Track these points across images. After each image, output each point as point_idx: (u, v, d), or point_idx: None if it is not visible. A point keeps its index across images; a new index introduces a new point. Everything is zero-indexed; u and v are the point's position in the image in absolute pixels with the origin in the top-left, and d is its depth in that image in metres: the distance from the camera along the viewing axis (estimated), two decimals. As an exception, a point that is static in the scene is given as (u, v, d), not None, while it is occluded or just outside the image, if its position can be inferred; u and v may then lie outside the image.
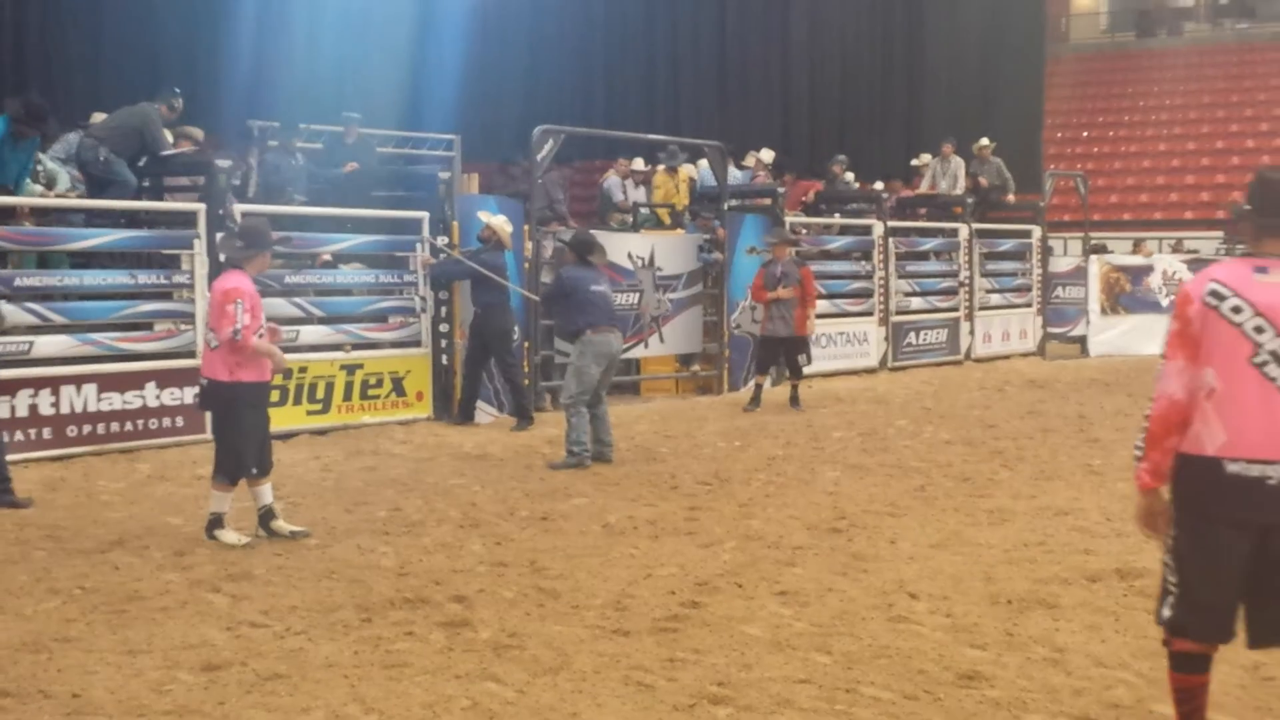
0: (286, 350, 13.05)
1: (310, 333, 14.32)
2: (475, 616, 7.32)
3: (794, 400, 16.57)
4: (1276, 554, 4.98)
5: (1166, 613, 5.21)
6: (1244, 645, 5.19)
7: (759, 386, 16.65)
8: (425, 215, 15.06)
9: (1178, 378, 5.04)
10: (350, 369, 14.43)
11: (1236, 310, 4.96)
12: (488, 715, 5.87)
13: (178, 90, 14.25)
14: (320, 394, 14.18)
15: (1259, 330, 4.94)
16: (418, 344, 15.02)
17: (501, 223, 14.75)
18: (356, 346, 14.51)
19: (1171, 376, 5.05)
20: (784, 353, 16.81)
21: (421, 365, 15.00)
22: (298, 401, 13.90)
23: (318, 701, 6.01)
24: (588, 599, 7.70)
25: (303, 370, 13.90)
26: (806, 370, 17.25)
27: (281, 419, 13.07)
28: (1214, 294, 4.99)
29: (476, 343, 14.86)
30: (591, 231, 14.60)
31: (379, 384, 14.67)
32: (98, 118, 14.34)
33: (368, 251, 15.18)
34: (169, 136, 14.28)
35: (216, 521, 9.24)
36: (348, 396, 14.44)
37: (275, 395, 13.22)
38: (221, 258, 9.78)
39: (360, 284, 15.17)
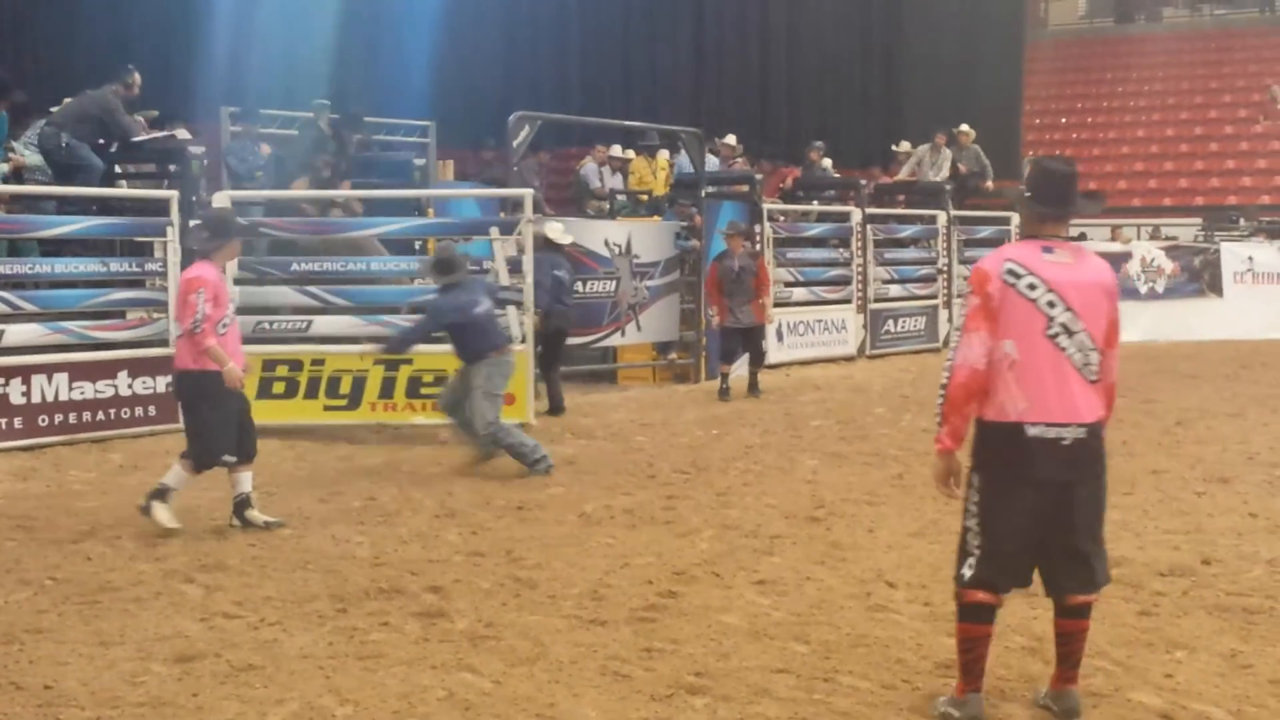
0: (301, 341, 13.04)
1: (327, 323, 13.68)
2: (451, 607, 7.29)
3: (753, 387, 16.58)
4: (1069, 510, 5.50)
5: (967, 572, 5.59)
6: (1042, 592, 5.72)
7: (725, 376, 16.63)
8: (529, 192, 14.38)
9: (980, 347, 5.47)
10: (390, 364, 13.26)
11: (1032, 287, 5.44)
12: (464, 706, 5.84)
13: (131, 67, 14.10)
14: (345, 389, 13.38)
15: (1051, 305, 5.43)
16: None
17: (547, 226, 15.03)
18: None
19: (974, 346, 5.48)
20: (744, 341, 16.81)
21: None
22: (312, 395, 13.35)
23: (292, 693, 5.97)
24: (564, 589, 7.67)
25: (318, 363, 13.34)
26: (771, 359, 17.33)
27: (293, 412, 12.96)
28: (1011, 272, 5.46)
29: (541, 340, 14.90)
30: (449, 244, 13.74)
31: (437, 382, 13.10)
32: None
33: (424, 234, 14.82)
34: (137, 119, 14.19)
35: (160, 493, 9.15)
36: (387, 394, 13.47)
37: (281, 387, 13.14)
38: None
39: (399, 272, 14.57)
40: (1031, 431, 5.42)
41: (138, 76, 14.08)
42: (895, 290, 21.92)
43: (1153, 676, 6.16)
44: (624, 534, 9.10)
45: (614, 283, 17.07)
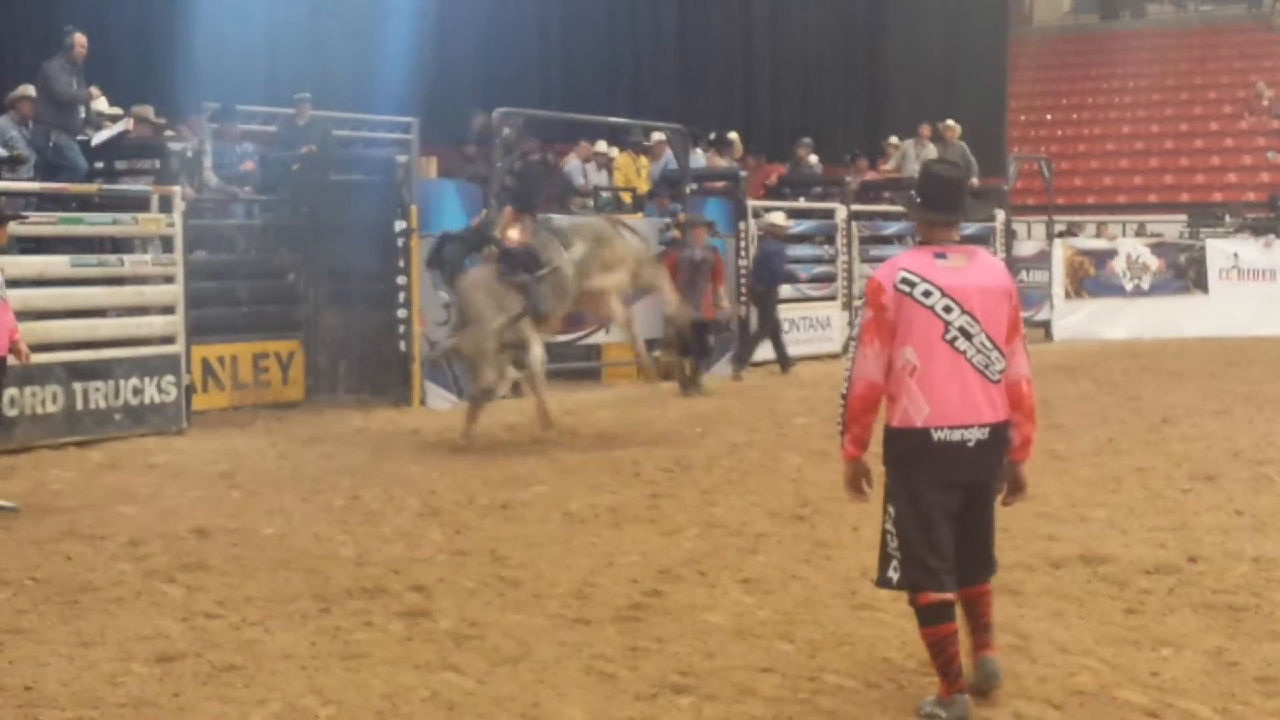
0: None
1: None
2: (435, 606, 7.26)
3: (692, 384, 16.40)
4: (976, 508, 5.69)
5: (893, 575, 5.77)
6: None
7: (684, 369, 16.61)
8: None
9: (874, 360, 5.65)
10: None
11: (927, 294, 5.57)
12: (447, 705, 5.82)
13: (69, 28, 14.00)
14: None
15: (947, 310, 5.56)
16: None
17: (779, 217, 19.03)
18: None
19: (869, 359, 5.66)
20: (691, 335, 16.70)
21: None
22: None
23: (274, 693, 5.95)
24: (549, 588, 7.64)
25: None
26: (757, 356, 17.40)
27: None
28: (905, 281, 5.59)
29: (760, 309, 18.67)
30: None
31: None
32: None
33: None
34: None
35: None
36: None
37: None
38: None
39: None
40: (937, 436, 5.56)
41: (79, 37, 13.91)
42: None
43: (1139, 674, 6.14)
44: (609, 533, 9.07)
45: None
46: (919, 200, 5.85)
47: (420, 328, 14.86)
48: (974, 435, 5.57)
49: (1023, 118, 35.67)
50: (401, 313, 14.92)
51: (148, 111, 15.32)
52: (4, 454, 11.46)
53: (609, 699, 5.88)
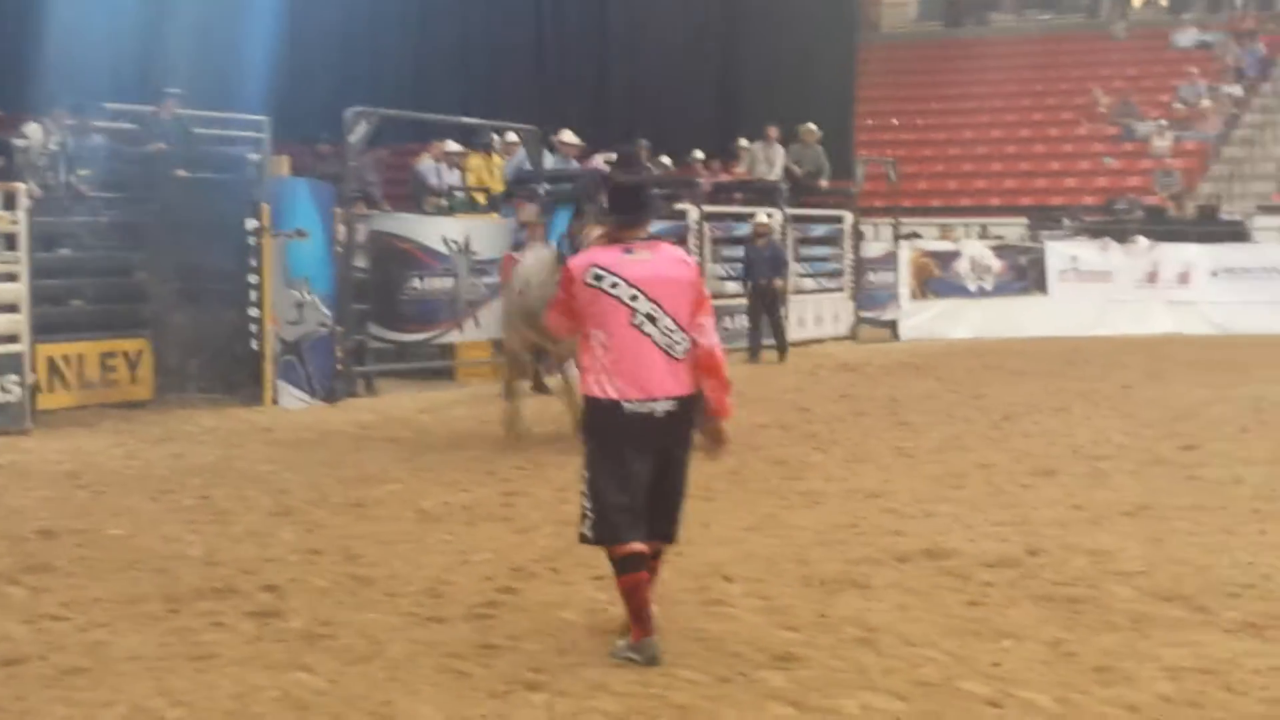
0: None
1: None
2: (286, 606, 7.21)
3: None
4: (668, 473, 6.43)
5: (587, 532, 6.43)
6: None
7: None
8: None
9: (561, 321, 6.64)
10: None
11: (614, 285, 6.31)
12: (298, 705, 5.79)
13: None
14: None
15: (634, 299, 6.30)
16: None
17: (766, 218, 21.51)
18: None
19: (561, 320, 6.64)
20: None
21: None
22: None
23: (121, 695, 5.87)
24: (402, 586, 7.63)
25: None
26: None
27: None
28: (595, 276, 6.34)
29: (757, 302, 20.84)
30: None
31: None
32: None
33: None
34: None
35: None
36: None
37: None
38: None
39: None
40: (628, 408, 6.27)
41: None
42: (732, 287, 22.02)
43: (981, 665, 6.29)
44: (463, 530, 9.08)
45: (452, 280, 17.01)
46: (607, 207, 6.68)
47: (272, 326, 14.72)
48: (661, 407, 6.28)
49: (870, 122, 36.06)
50: (253, 311, 14.77)
51: None
52: None
53: (461, 697, 5.89)
